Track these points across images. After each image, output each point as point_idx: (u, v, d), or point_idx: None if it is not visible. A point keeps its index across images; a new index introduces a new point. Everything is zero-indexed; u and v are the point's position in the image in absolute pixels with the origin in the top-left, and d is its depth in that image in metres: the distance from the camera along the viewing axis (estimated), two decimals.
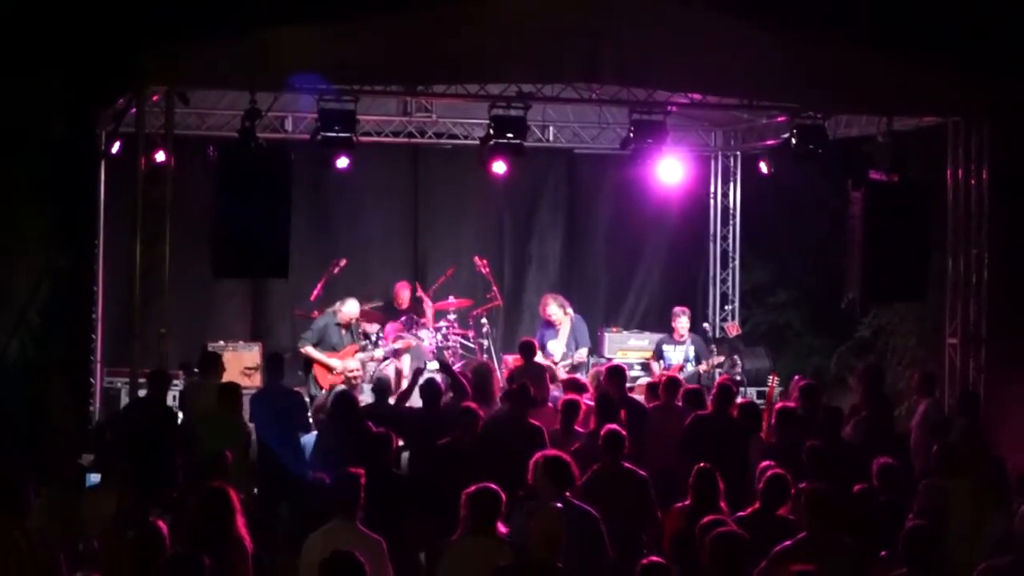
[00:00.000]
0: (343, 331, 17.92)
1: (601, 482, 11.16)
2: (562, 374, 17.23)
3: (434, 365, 17.03)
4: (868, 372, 15.32)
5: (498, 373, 18.19)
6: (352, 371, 16.80)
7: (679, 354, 18.34)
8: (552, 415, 13.98)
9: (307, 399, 15.94)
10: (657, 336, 19.24)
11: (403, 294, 19.51)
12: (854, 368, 17.35)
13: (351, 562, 7.63)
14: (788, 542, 9.32)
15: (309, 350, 17.55)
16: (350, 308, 18.00)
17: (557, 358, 18.00)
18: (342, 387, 15.73)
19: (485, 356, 19.03)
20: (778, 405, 13.50)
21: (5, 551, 8.65)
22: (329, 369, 17.38)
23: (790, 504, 10.30)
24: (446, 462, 11.85)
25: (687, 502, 10.59)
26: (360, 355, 17.75)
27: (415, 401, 14.41)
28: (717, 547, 8.18)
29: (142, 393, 14.56)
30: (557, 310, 18.41)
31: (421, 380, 14.39)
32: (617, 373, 14.66)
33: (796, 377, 16.69)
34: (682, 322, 18.52)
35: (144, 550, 8.43)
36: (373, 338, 18.40)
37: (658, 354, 18.45)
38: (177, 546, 8.55)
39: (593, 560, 9.66)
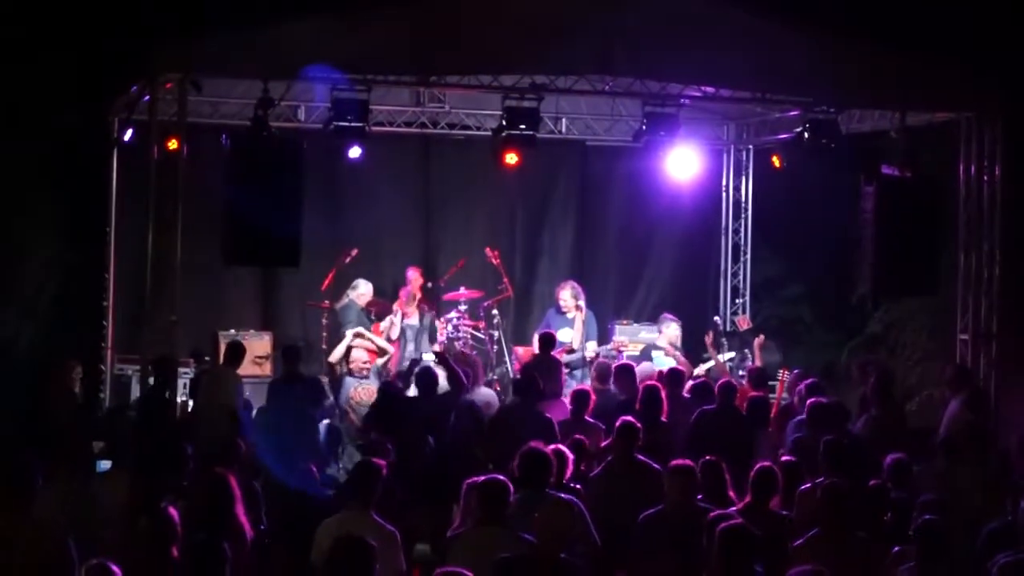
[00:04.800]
0: (365, 313, 18.13)
1: (615, 474, 11.18)
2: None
3: (430, 357, 17.01)
4: (875, 368, 15.32)
5: (510, 364, 18.36)
6: (362, 361, 16.79)
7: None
8: (565, 408, 14.02)
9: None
10: None
11: (414, 280, 19.40)
12: (857, 361, 17.32)
13: (360, 545, 7.55)
14: (801, 540, 9.36)
15: (362, 330, 17.69)
16: (367, 288, 18.17)
17: (575, 345, 18.03)
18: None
19: (495, 347, 19.05)
20: (810, 401, 13.45)
21: (12, 539, 8.65)
22: (381, 352, 17.41)
23: (779, 497, 10.38)
24: None
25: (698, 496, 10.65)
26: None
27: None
28: (725, 541, 8.18)
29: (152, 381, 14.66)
30: (569, 299, 18.43)
31: (417, 369, 14.48)
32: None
33: (795, 372, 16.70)
34: (672, 329, 18.59)
35: (157, 536, 8.44)
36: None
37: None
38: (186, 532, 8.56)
39: (579, 548, 9.66)
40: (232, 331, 18.44)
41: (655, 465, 11.33)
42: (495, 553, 8.54)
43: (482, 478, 9.40)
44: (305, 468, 11.07)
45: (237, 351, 15.65)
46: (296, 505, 11.11)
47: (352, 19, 14.47)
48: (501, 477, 9.32)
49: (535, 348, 16.62)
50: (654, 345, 18.68)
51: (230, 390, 14.82)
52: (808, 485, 10.67)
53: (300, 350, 15.50)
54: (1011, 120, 16.15)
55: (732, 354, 18.57)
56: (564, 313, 18.45)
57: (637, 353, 18.80)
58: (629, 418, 11.71)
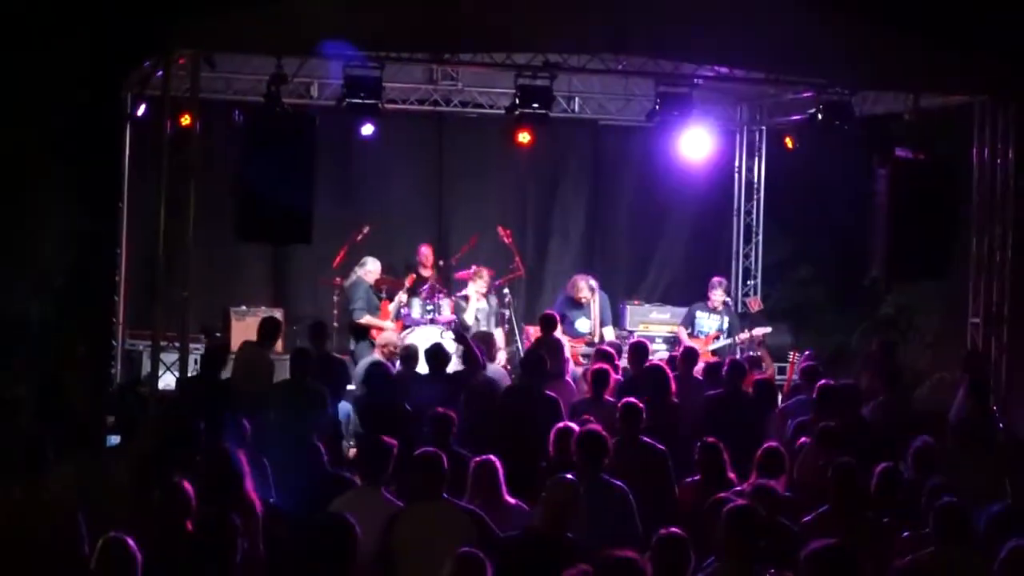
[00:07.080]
0: (373, 291, 18.31)
1: (619, 455, 11.17)
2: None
3: (448, 335, 17.02)
4: (884, 351, 15.32)
5: (521, 343, 18.36)
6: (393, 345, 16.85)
7: (713, 322, 18.36)
8: (570, 388, 14.01)
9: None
10: (679, 309, 19.26)
11: (427, 255, 19.52)
12: (872, 343, 17.31)
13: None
14: (810, 516, 9.37)
15: (368, 319, 17.84)
16: (374, 266, 18.26)
17: (596, 337, 18.00)
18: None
19: (507, 327, 19.06)
20: (820, 382, 13.42)
21: (23, 513, 8.70)
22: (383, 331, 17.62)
23: (784, 478, 10.38)
24: None
25: (697, 477, 10.68)
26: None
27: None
28: (732, 521, 8.17)
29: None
30: (586, 290, 18.37)
31: (428, 346, 14.48)
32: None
33: (806, 354, 16.67)
34: (718, 293, 18.53)
35: (170, 509, 8.45)
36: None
37: (689, 320, 18.46)
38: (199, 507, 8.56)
39: (623, 536, 9.65)
40: (243, 307, 18.53)
41: (659, 446, 11.33)
42: (431, 528, 8.50)
43: (419, 452, 9.19)
44: (314, 446, 11.03)
45: (273, 329, 15.12)
46: (306, 483, 11.08)
47: None
48: (434, 450, 9.18)
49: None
50: (702, 306, 18.64)
51: (263, 375, 14.54)
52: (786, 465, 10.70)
53: (327, 326, 15.69)
54: None
55: (768, 329, 18.54)
56: (580, 304, 18.40)
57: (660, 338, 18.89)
58: (632, 399, 11.68)
